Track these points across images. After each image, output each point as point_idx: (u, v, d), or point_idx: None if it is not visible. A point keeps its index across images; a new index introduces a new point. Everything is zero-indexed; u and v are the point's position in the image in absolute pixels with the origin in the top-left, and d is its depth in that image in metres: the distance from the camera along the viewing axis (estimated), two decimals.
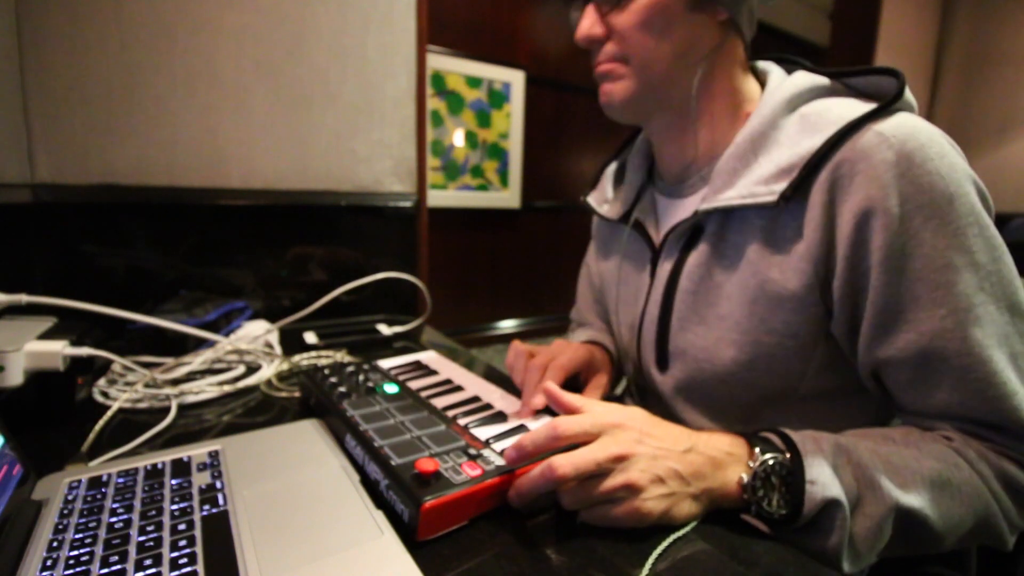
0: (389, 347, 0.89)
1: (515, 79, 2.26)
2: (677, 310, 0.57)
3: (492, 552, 0.38)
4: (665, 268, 0.59)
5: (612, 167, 0.74)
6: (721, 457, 0.42)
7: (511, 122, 2.44)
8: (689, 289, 0.56)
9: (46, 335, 0.57)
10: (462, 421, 0.51)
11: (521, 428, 0.51)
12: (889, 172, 0.43)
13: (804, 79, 0.53)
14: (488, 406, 0.55)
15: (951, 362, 0.43)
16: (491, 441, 0.47)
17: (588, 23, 0.54)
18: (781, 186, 0.48)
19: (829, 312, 0.49)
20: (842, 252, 0.46)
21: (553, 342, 0.64)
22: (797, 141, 0.49)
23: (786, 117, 0.51)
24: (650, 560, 0.37)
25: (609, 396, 0.63)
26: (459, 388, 0.60)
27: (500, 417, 0.53)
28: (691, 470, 0.41)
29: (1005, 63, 2.68)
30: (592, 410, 0.44)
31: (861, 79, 0.52)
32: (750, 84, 0.57)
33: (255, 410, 0.63)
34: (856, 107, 0.47)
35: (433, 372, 0.66)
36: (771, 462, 0.41)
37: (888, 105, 0.46)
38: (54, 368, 0.54)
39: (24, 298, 0.60)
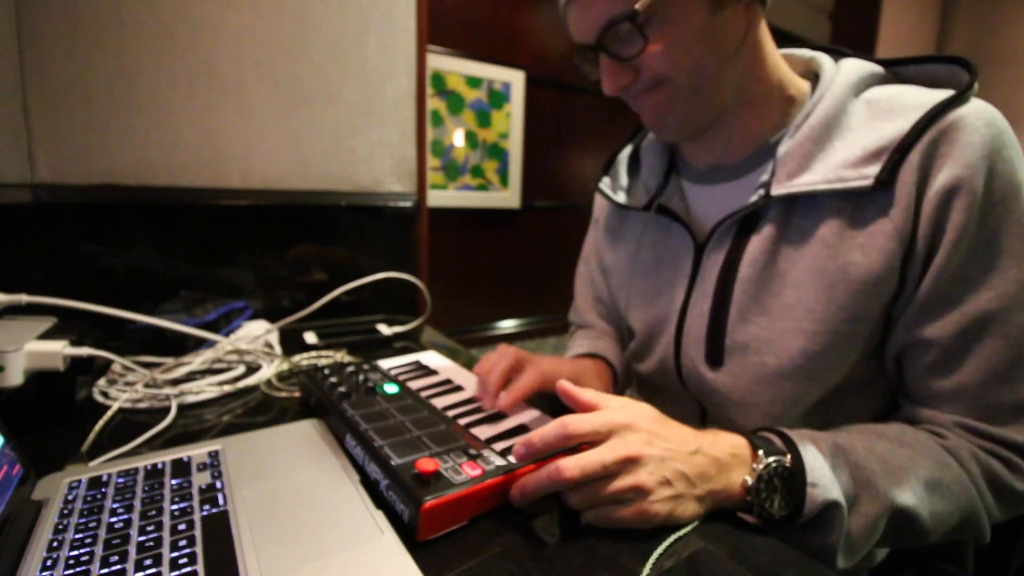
0: (389, 347, 0.89)
1: (515, 79, 2.26)
2: (737, 301, 0.53)
3: (492, 552, 0.38)
4: (716, 258, 0.55)
5: (626, 152, 0.71)
6: (726, 459, 0.43)
7: (511, 122, 2.44)
8: (751, 278, 0.52)
9: (46, 335, 0.57)
10: (462, 421, 0.51)
11: (521, 428, 0.51)
12: (977, 153, 0.44)
13: (862, 65, 0.52)
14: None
15: (987, 341, 0.45)
16: (491, 441, 0.47)
17: (612, 76, 0.51)
18: (873, 169, 0.46)
19: (897, 291, 0.48)
20: (923, 231, 0.46)
21: (540, 355, 0.61)
22: (873, 125, 0.48)
23: (853, 102, 0.50)
24: (651, 559, 0.37)
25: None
26: (459, 388, 0.60)
27: (500, 417, 0.53)
28: (697, 471, 0.41)
29: (1005, 63, 2.68)
30: (604, 407, 0.44)
31: (913, 68, 0.52)
32: (782, 62, 0.55)
33: (255, 410, 0.63)
34: (927, 94, 0.48)
35: (433, 372, 0.66)
36: (774, 465, 0.42)
37: (965, 91, 0.46)
38: (54, 368, 0.54)
39: (24, 298, 0.60)
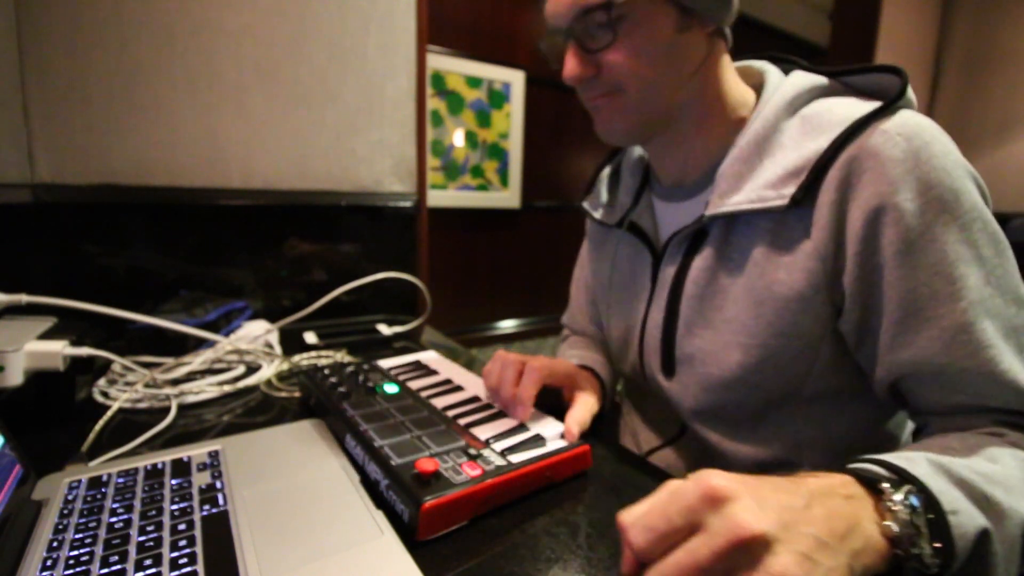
0: (389, 347, 0.89)
1: (515, 79, 2.26)
2: (683, 315, 0.56)
3: (492, 552, 0.38)
4: (668, 273, 0.58)
5: (607, 171, 0.73)
6: (845, 506, 0.32)
7: (511, 122, 2.44)
8: (695, 294, 0.55)
9: (46, 335, 0.57)
10: (462, 421, 0.51)
11: (521, 428, 0.51)
12: (897, 168, 0.43)
13: (803, 79, 0.53)
14: (488, 406, 0.55)
15: (976, 355, 0.43)
16: (491, 441, 0.47)
17: (576, 64, 0.52)
18: (790, 189, 0.47)
19: (837, 311, 0.49)
20: (852, 249, 0.46)
21: (536, 356, 0.61)
22: (801, 143, 0.49)
23: (788, 119, 0.51)
24: None
25: (597, 416, 0.58)
26: (459, 388, 0.60)
27: (500, 416, 0.53)
28: (830, 531, 0.29)
29: (1005, 63, 2.68)
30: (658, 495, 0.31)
31: (860, 77, 0.52)
32: (740, 85, 0.57)
33: (255, 410, 0.63)
34: (858, 106, 0.47)
35: (433, 372, 0.66)
36: (911, 498, 0.32)
37: (892, 103, 0.46)
38: (54, 368, 0.54)
39: (24, 298, 0.60)
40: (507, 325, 2.86)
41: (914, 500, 0.32)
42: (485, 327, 2.79)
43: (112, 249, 0.85)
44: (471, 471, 0.42)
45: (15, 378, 0.52)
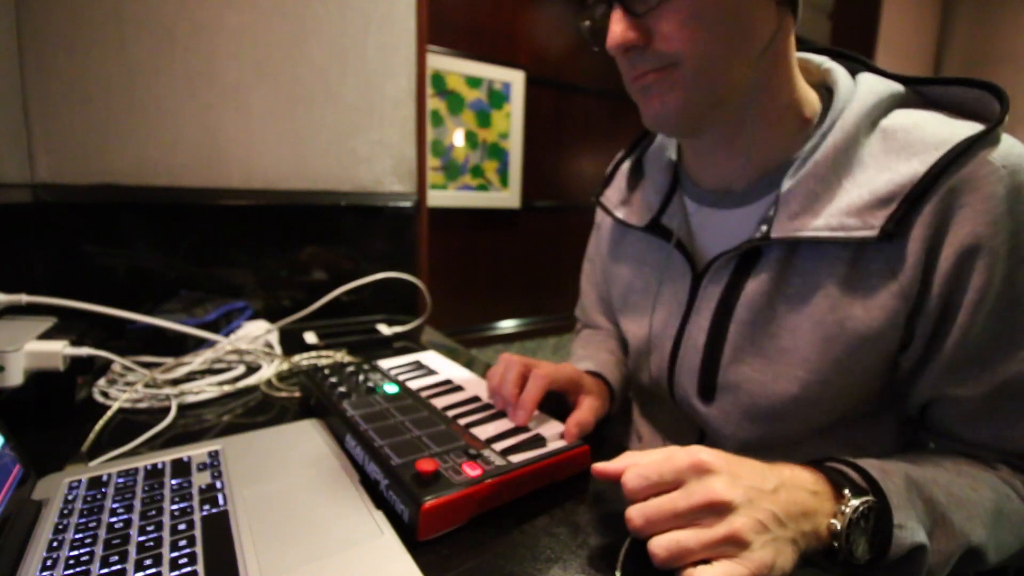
0: (389, 347, 0.89)
1: (515, 79, 2.26)
2: (731, 340, 0.51)
3: (492, 552, 0.38)
4: (713, 291, 0.53)
5: (627, 164, 0.67)
6: (808, 498, 0.37)
7: (511, 122, 2.44)
8: (747, 320, 0.50)
9: (46, 335, 0.57)
10: (462, 421, 0.51)
11: (521, 428, 0.51)
12: (999, 208, 0.40)
13: (880, 85, 0.47)
14: (488, 406, 0.55)
15: (1020, 408, 0.43)
16: (491, 441, 0.47)
17: (621, 28, 0.45)
18: (879, 219, 0.42)
19: (903, 345, 0.45)
20: (938, 289, 0.42)
21: (541, 361, 0.59)
22: (888, 164, 0.43)
23: (867, 133, 0.46)
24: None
25: (604, 418, 0.58)
26: (459, 388, 0.60)
27: (500, 416, 0.53)
28: (787, 511, 0.36)
29: (1005, 63, 2.68)
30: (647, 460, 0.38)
31: (940, 89, 0.47)
32: (801, 79, 0.50)
33: (255, 410, 0.63)
34: (950, 125, 0.43)
35: (433, 372, 0.66)
36: (863, 509, 0.37)
37: (994, 127, 0.41)
38: (54, 368, 0.54)
39: (24, 298, 0.60)
40: (507, 325, 2.87)
41: (863, 509, 0.37)
42: (485, 327, 2.79)
43: (112, 249, 0.85)
44: (471, 471, 0.42)
45: (15, 378, 0.52)
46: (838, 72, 0.50)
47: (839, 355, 0.46)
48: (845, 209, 0.44)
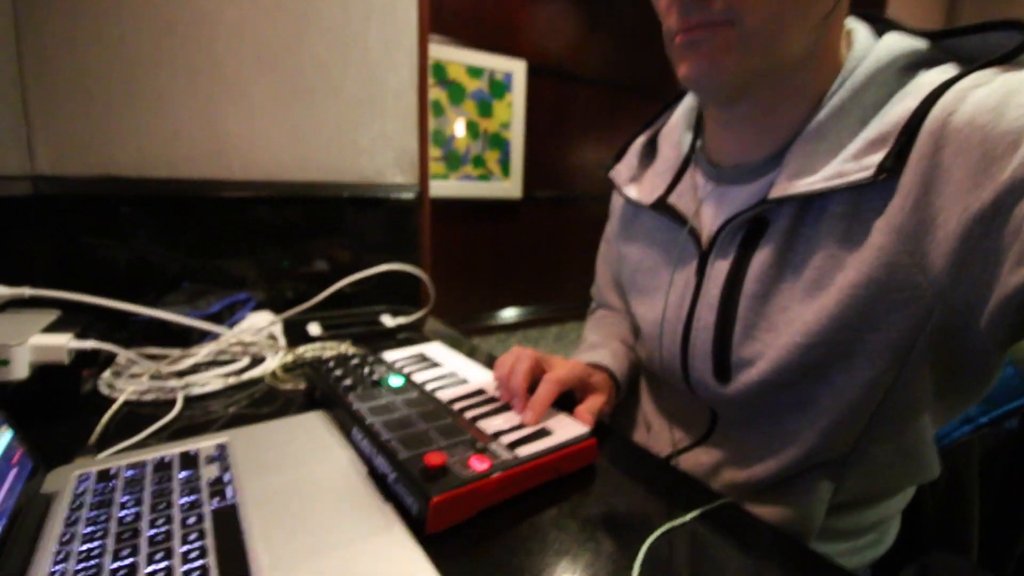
0: (393, 338, 0.89)
1: (517, 69, 2.24)
2: (742, 317, 0.49)
3: (501, 544, 0.38)
4: (720, 268, 0.51)
5: (641, 140, 0.65)
6: None
7: (512, 112, 2.42)
8: (756, 293, 0.48)
9: (50, 328, 0.57)
10: (468, 415, 0.51)
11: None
12: (993, 112, 0.36)
13: (899, 43, 0.44)
14: (493, 399, 0.56)
15: None
16: (497, 435, 0.48)
17: None
18: (874, 159, 0.40)
19: (929, 306, 0.41)
20: (956, 212, 0.37)
21: (554, 357, 0.60)
22: (887, 111, 0.42)
23: (881, 91, 0.44)
24: (646, 545, 0.38)
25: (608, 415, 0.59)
26: (464, 380, 0.61)
27: (505, 409, 0.53)
28: None
29: None
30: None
31: (974, 38, 0.43)
32: (845, 49, 0.47)
33: (260, 402, 0.63)
34: (955, 72, 0.40)
35: (437, 364, 0.66)
36: None
37: (1001, 61, 0.38)
38: (59, 362, 0.54)
39: (27, 291, 0.59)
40: (509, 315, 2.87)
41: None
42: (487, 317, 2.79)
43: (113, 241, 0.85)
44: (479, 465, 0.42)
45: (20, 371, 0.52)
46: (859, 32, 0.47)
47: (832, 310, 0.43)
48: (842, 159, 0.42)
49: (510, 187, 2.71)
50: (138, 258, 0.87)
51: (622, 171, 0.67)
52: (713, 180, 0.56)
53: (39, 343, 0.54)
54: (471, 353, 0.80)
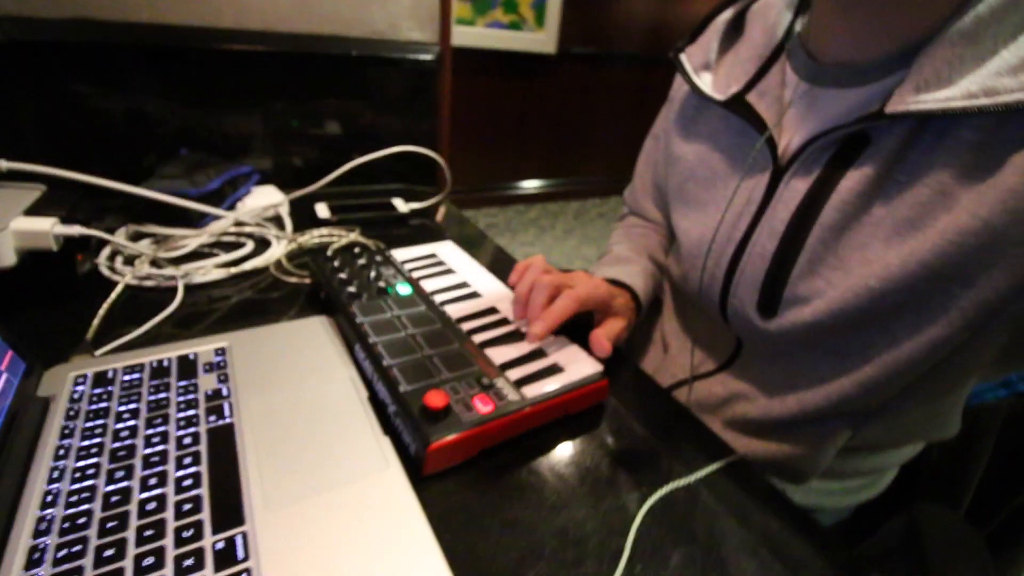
0: (405, 225, 0.84)
1: None
2: (809, 248, 0.43)
3: (497, 492, 0.37)
4: (797, 188, 0.44)
5: (725, 16, 0.54)
6: None
7: None
8: (834, 224, 0.42)
9: (34, 208, 0.53)
10: (477, 339, 0.48)
11: (538, 352, 0.48)
12: None
13: None
14: (505, 320, 0.52)
15: None
16: (506, 367, 0.45)
17: None
18: None
19: None
20: None
21: (575, 272, 0.55)
22: None
23: None
24: (649, 502, 0.36)
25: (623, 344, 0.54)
26: (475, 295, 0.57)
27: (517, 338, 0.50)
28: None
29: None
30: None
31: None
32: None
33: (264, 294, 0.60)
34: None
35: (450, 271, 0.62)
36: None
37: None
38: (47, 248, 0.51)
39: (4, 164, 0.54)
40: (531, 185, 2.76)
41: None
42: (507, 186, 2.69)
43: (100, 100, 0.76)
44: (483, 406, 0.40)
45: (7, 259, 0.49)
46: None
47: (926, 258, 0.37)
48: (994, 70, 0.34)
49: (544, 39, 2.43)
50: (128, 118, 0.79)
51: (695, 53, 0.55)
52: (807, 79, 0.46)
53: (21, 228, 0.50)
54: (487, 252, 0.75)
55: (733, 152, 0.52)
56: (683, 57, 0.55)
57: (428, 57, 0.97)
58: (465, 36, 2.18)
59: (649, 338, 0.69)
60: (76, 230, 0.52)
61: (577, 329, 0.50)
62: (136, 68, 0.77)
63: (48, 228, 0.51)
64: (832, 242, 0.42)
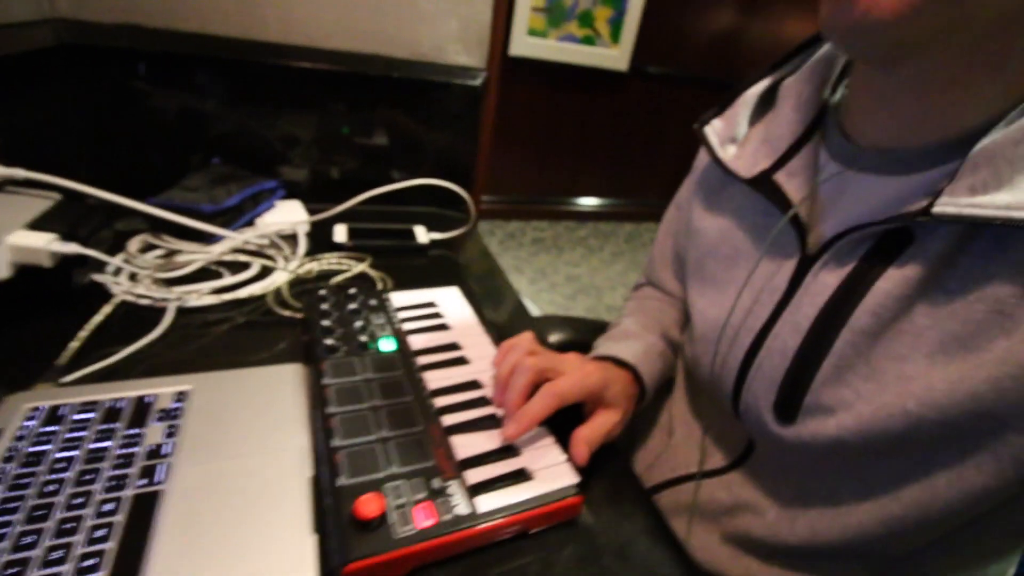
0: (423, 255, 0.81)
1: None
2: (838, 352, 0.38)
3: None
4: (825, 282, 0.39)
5: (757, 89, 0.49)
6: None
7: None
8: (869, 328, 0.36)
9: (41, 220, 0.53)
10: (447, 420, 0.44)
11: (509, 450, 0.42)
12: None
13: None
14: (483, 400, 0.47)
15: None
16: (466, 464, 0.40)
17: None
18: None
19: None
20: None
21: (566, 355, 0.49)
22: None
23: None
24: None
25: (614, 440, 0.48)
26: (462, 361, 0.52)
27: (491, 422, 0.44)
28: None
29: None
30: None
31: None
32: None
33: (250, 330, 0.58)
34: None
35: (443, 327, 0.57)
36: None
37: None
38: (41, 264, 0.51)
39: (21, 173, 0.55)
40: (585, 203, 2.68)
41: None
42: (561, 200, 2.62)
43: (139, 104, 0.78)
44: (423, 520, 0.35)
45: (1, 271, 0.49)
46: None
47: (977, 388, 0.31)
48: None
49: (617, 56, 2.35)
50: (166, 125, 0.80)
51: (721, 126, 0.50)
52: (843, 162, 0.42)
53: (17, 243, 0.50)
54: (496, 294, 0.71)
55: (759, 232, 0.46)
56: (708, 130, 0.50)
57: (474, 83, 0.93)
58: (535, 48, 2.14)
59: (655, 419, 0.62)
60: (73, 248, 0.52)
61: (567, 415, 0.45)
62: (179, 76, 0.78)
63: (44, 245, 0.50)
64: (864, 349, 0.37)
